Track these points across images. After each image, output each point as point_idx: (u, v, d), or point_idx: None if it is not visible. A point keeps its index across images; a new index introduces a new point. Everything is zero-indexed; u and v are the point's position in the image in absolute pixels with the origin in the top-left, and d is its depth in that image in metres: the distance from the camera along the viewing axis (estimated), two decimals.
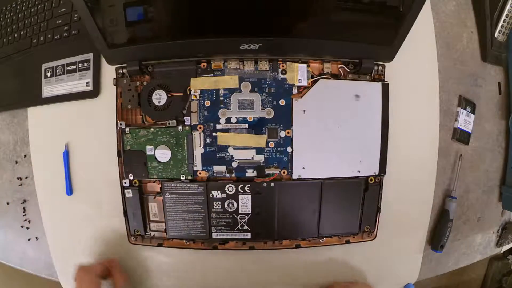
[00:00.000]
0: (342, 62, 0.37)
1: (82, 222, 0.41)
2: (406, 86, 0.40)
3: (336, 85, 0.37)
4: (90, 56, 0.40)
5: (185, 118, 0.36)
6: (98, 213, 0.41)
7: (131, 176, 0.37)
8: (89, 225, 0.41)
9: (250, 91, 0.36)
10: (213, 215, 0.37)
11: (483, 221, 0.49)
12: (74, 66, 0.40)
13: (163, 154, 0.36)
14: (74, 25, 0.41)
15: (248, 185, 0.37)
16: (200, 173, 0.37)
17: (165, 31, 0.34)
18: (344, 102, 0.37)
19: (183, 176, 0.37)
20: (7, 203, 0.45)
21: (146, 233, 0.39)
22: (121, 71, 0.37)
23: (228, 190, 0.37)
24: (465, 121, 0.45)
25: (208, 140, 0.36)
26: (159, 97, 0.36)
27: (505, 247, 0.54)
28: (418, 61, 0.41)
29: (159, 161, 0.37)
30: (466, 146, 0.46)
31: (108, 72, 0.39)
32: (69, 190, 0.41)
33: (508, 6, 0.46)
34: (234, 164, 0.37)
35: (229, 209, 0.37)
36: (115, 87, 0.37)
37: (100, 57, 0.39)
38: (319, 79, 0.37)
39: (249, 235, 0.38)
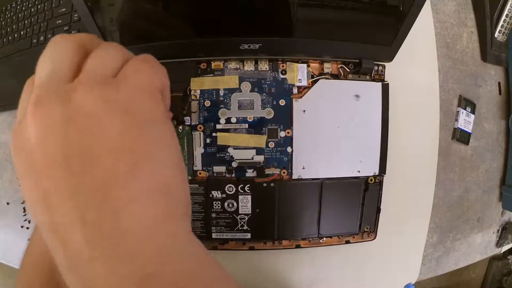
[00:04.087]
0: (342, 62, 0.37)
1: None
2: (406, 86, 0.40)
3: (336, 85, 0.37)
4: None
5: (185, 118, 0.36)
6: None
7: None
8: None
9: (250, 91, 0.36)
10: (213, 215, 0.37)
11: (483, 221, 0.49)
12: None
13: None
14: (74, 25, 0.41)
15: (248, 185, 0.37)
16: (200, 173, 0.37)
17: (165, 31, 0.34)
18: (344, 102, 0.37)
19: None
20: (7, 203, 0.45)
21: None
22: None
23: (228, 190, 0.37)
24: (465, 121, 0.45)
25: (208, 140, 0.36)
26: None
27: (505, 247, 0.54)
28: (418, 61, 0.42)
29: None
30: (466, 146, 0.46)
31: None
32: None
33: (508, 6, 0.46)
34: (234, 164, 0.37)
35: (229, 209, 0.37)
36: None
37: None
38: (319, 79, 0.37)
39: (249, 235, 0.38)
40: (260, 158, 0.37)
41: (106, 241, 0.13)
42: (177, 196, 0.16)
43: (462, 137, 0.45)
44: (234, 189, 0.37)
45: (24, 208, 0.44)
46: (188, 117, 0.36)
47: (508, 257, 0.57)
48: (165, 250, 0.14)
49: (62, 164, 0.13)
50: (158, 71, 0.17)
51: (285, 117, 0.37)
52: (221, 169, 0.37)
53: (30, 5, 0.45)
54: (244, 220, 0.37)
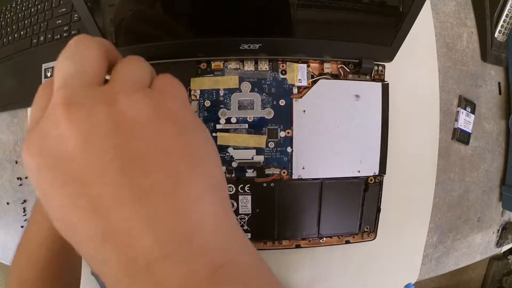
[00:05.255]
0: (342, 62, 0.37)
1: None
2: (406, 86, 0.40)
3: (336, 85, 0.37)
4: None
5: None
6: None
7: None
8: None
9: (250, 91, 0.36)
10: None
11: (483, 221, 0.49)
12: None
13: None
14: (74, 25, 0.41)
15: (248, 185, 0.37)
16: None
17: (165, 31, 0.34)
18: (344, 102, 0.37)
19: None
20: (7, 203, 0.45)
21: None
22: None
23: (228, 190, 0.37)
24: (465, 121, 0.45)
25: None
26: None
27: (505, 247, 0.54)
28: (418, 61, 0.42)
29: None
30: (466, 146, 0.46)
31: None
32: None
33: (508, 6, 0.46)
34: (234, 164, 0.37)
35: None
36: None
37: None
38: (319, 79, 0.37)
39: (249, 235, 0.38)
40: (260, 158, 0.37)
41: (179, 240, 0.13)
42: (226, 192, 0.17)
43: (462, 137, 0.45)
44: (234, 189, 0.37)
45: (24, 208, 0.44)
46: None
47: (508, 257, 0.57)
48: (230, 243, 0.15)
49: (117, 169, 0.13)
50: (182, 86, 0.18)
51: (285, 117, 0.36)
52: None
53: (30, 5, 0.45)
54: (244, 220, 0.37)
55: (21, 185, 0.44)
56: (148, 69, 0.16)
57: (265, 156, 0.37)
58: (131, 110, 0.14)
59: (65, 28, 0.41)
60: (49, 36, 0.42)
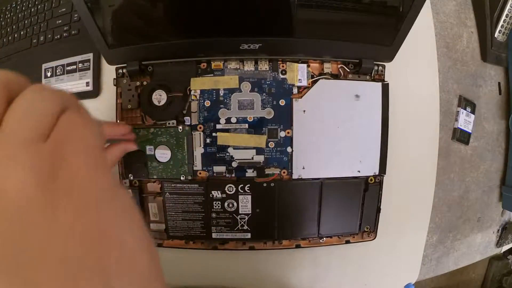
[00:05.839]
0: (342, 62, 0.37)
1: None
2: (406, 86, 0.40)
3: (336, 85, 0.37)
4: (90, 56, 0.40)
5: (185, 118, 0.36)
6: None
7: (131, 176, 0.37)
8: None
9: (250, 91, 0.36)
10: (213, 215, 0.37)
11: (483, 221, 0.49)
12: (74, 66, 0.40)
13: (163, 154, 0.36)
14: (74, 25, 0.41)
15: (248, 185, 0.37)
16: (200, 173, 0.37)
17: (165, 31, 0.34)
18: (344, 102, 0.37)
19: (183, 176, 0.37)
20: None
21: None
22: (121, 71, 0.37)
23: (228, 190, 0.37)
24: (465, 121, 0.45)
25: (208, 140, 0.36)
26: (159, 97, 0.36)
27: (505, 247, 0.54)
28: (418, 61, 0.42)
29: (159, 161, 0.37)
30: (466, 146, 0.46)
31: (108, 72, 0.39)
32: None
33: (508, 6, 0.46)
34: (234, 164, 0.37)
35: (229, 209, 0.37)
36: (115, 87, 0.37)
37: (100, 57, 0.39)
38: (319, 79, 0.37)
39: (249, 235, 0.38)
40: (260, 158, 0.37)
41: None
42: (153, 277, 0.12)
43: (462, 137, 0.45)
44: (234, 189, 0.37)
45: None
46: (188, 117, 0.36)
47: (508, 257, 0.57)
48: None
49: None
50: (95, 123, 0.12)
51: (285, 117, 0.36)
52: (221, 169, 0.37)
53: (30, 5, 0.45)
54: (244, 220, 0.37)
55: None
56: (50, 105, 0.11)
57: (265, 156, 0.37)
58: (5, 184, 0.09)
59: (65, 28, 0.41)
60: (49, 36, 0.42)
